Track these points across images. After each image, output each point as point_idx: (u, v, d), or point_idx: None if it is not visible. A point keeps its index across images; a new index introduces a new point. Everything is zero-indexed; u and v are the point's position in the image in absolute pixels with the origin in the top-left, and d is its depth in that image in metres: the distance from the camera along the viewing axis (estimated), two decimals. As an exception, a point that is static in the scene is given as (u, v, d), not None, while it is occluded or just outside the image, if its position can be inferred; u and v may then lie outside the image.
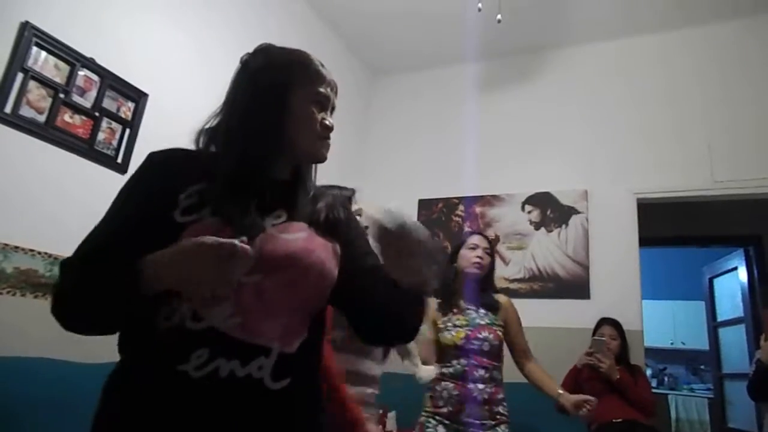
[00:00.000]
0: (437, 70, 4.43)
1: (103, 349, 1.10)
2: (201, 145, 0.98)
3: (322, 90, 0.99)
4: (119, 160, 2.45)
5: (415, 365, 1.85)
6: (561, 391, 2.26)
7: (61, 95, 2.21)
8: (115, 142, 2.45)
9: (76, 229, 0.99)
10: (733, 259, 4.80)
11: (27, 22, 2.10)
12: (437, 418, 2.16)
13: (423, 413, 2.22)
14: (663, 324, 6.47)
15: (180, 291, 0.81)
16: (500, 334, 2.27)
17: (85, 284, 0.84)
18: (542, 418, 2.93)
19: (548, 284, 3.56)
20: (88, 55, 2.32)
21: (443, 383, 2.19)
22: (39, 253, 2.07)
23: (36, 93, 2.13)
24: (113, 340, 0.89)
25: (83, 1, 2.34)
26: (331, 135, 0.99)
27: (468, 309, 2.28)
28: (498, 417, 2.17)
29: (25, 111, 2.09)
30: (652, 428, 2.79)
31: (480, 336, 2.21)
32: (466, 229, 3.90)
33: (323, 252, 0.94)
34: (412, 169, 4.26)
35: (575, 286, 3.48)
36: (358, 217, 1.18)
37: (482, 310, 2.29)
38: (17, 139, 2.06)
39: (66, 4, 2.27)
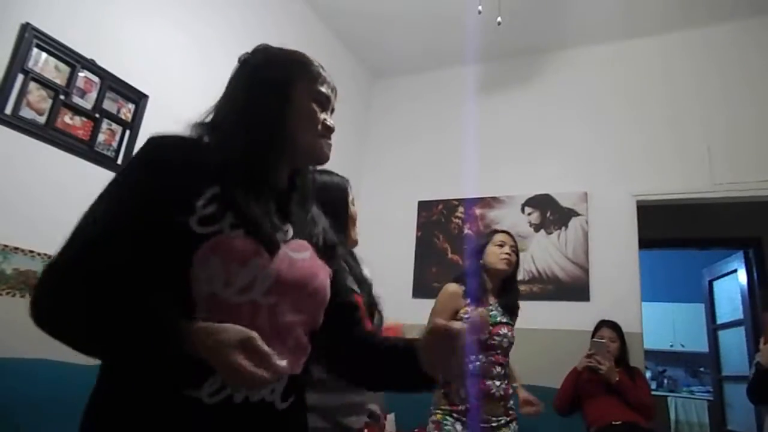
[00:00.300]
0: (437, 72, 4.44)
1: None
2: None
3: (323, 89, 0.97)
4: (119, 161, 2.45)
5: None
6: (518, 385, 2.39)
7: (62, 96, 2.22)
8: (115, 144, 2.46)
9: (76, 231, 0.99)
10: (732, 261, 4.80)
11: (28, 24, 2.11)
12: (455, 415, 2.15)
13: (438, 411, 2.19)
14: (662, 326, 6.46)
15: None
16: (514, 333, 2.31)
17: (94, 319, 0.76)
18: (542, 418, 2.93)
19: (548, 286, 3.56)
20: (88, 56, 2.33)
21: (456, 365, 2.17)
22: (39, 254, 2.07)
23: (36, 94, 2.14)
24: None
25: (84, 2, 2.35)
26: (332, 137, 0.99)
27: (490, 305, 2.30)
28: (510, 413, 2.22)
29: (26, 112, 2.09)
30: (652, 431, 2.79)
31: (501, 332, 2.23)
32: (466, 230, 3.90)
33: (324, 275, 0.94)
34: (412, 170, 4.27)
35: (575, 288, 3.48)
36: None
37: (500, 308, 2.32)
38: (17, 140, 2.06)
39: (66, 6, 2.28)
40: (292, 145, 0.94)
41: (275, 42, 1.03)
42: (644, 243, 3.50)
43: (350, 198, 1.59)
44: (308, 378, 0.96)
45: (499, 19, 2.86)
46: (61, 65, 2.24)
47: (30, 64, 2.11)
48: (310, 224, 0.98)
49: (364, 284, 1.46)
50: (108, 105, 2.42)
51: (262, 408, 0.83)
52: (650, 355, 5.51)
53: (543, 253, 3.64)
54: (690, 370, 6.71)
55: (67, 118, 2.25)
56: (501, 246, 2.34)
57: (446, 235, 3.98)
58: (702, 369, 6.48)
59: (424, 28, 3.94)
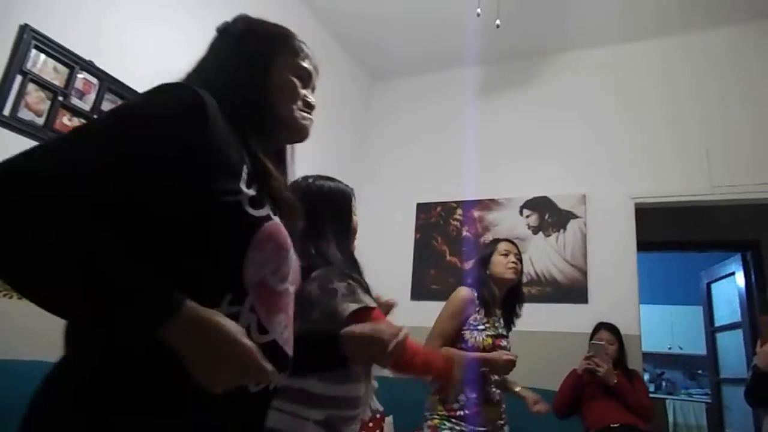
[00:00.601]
0: (436, 74, 4.44)
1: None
2: None
3: (304, 64, 0.95)
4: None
5: None
6: (520, 387, 2.44)
7: (60, 98, 2.21)
8: (113, 145, 2.45)
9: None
10: (730, 264, 4.80)
11: (26, 25, 2.10)
12: (453, 421, 2.14)
13: (435, 416, 2.17)
14: (661, 329, 6.47)
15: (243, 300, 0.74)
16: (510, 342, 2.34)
17: (68, 254, 0.61)
18: (540, 421, 2.93)
19: (546, 289, 3.56)
20: (87, 57, 2.33)
21: (456, 387, 2.16)
22: (37, 255, 2.06)
23: (35, 95, 2.13)
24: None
25: (83, 3, 2.34)
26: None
27: (494, 317, 2.31)
28: (503, 417, 2.23)
29: (24, 113, 2.09)
30: (650, 433, 2.79)
31: (502, 344, 2.24)
32: (465, 232, 3.90)
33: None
34: (410, 172, 4.27)
35: (573, 291, 3.48)
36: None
37: (502, 321, 2.33)
38: (16, 142, 2.05)
39: (65, 7, 2.27)
40: (272, 121, 0.90)
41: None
42: (642, 245, 3.50)
43: (353, 207, 1.59)
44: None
45: (498, 21, 2.86)
46: (60, 66, 2.23)
47: (28, 65, 2.11)
48: (297, 212, 0.95)
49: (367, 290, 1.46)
50: (107, 106, 2.41)
51: (273, 393, 0.84)
52: (648, 357, 5.51)
53: (541, 256, 3.64)
54: (688, 372, 6.71)
55: (65, 120, 2.24)
56: (506, 255, 2.35)
57: (445, 238, 3.98)
58: (700, 372, 6.48)
59: (424, 31, 3.95)
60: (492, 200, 3.91)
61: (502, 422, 2.21)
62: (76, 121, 2.28)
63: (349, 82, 4.34)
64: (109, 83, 2.42)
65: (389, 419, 2.98)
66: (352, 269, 1.46)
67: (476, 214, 3.93)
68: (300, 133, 0.94)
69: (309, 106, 0.95)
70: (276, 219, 0.81)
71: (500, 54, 4.11)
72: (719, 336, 4.97)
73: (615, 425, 2.73)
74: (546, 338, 3.31)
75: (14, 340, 1.95)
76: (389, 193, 4.24)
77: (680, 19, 3.62)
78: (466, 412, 2.14)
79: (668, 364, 6.72)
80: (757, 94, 3.42)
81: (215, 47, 0.95)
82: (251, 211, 0.77)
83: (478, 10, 2.82)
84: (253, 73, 0.89)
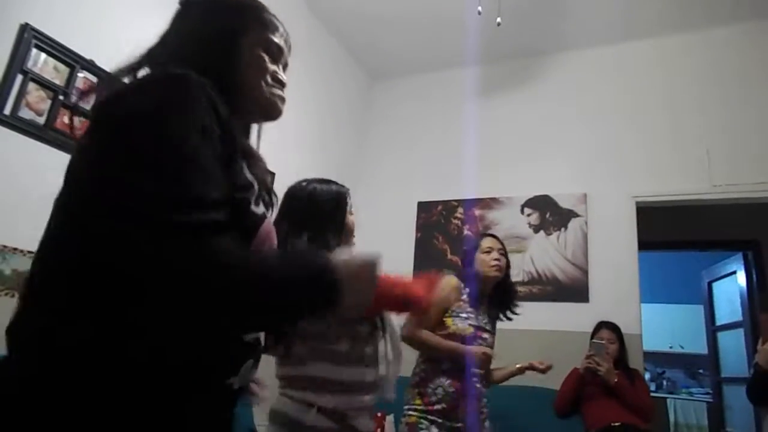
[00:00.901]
0: (437, 73, 4.44)
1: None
2: None
3: (274, 39, 0.90)
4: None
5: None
6: (515, 367, 2.39)
7: (61, 97, 2.21)
8: (114, 144, 2.45)
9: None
10: (731, 263, 4.80)
11: (27, 24, 2.10)
12: (430, 417, 2.11)
13: (412, 412, 2.14)
14: (662, 328, 6.45)
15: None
16: (494, 341, 2.32)
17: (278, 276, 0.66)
18: (541, 419, 2.93)
19: (547, 287, 3.56)
20: (87, 57, 2.32)
21: (436, 380, 2.15)
22: (37, 254, 2.06)
23: (35, 95, 2.13)
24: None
25: (83, 2, 2.34)
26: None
27: (478, 311, 2.30)
28: (484, 411, 2.21)
29: (25, 113, 2.09)
30: (651, 432, 2.79)
31: (483, 336, 2.24)
32: (466, 231, 3.90)
33: None
34: (411, 171, 4.27)
35: (574, 290, 3.48)
36: None
37: (486, 317, 2.32)
38: (16, 141, 2.06)
39: (66, 6, 2.27)
40: (241, 98, 0.83)
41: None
42: (643, 244, 3.50)
43: (348, 207, 1.59)
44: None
45: (498, 19, 2.85)
46: (60, 66, 2.23)
47: (29, 64, 2.11)
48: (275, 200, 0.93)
49: None
50: (107, 105, 2.41)
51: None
52: (649, 356, 5.49)
53: (542, 255, 3.64)
54: (689, 371, 6.71)
55: (66, 119, 2.24)
56: (489, 252, 2.31)
57: (446, 236, 3.98)
58: (701, 371, 6.47)
59: (424, 29, 3.94)
60: (493, 199, 3.91)
61: (482, 416, 2.19)
62: (77, 120, 2.28)
63: (349, 81, 4.33)
64: (109, 82, 2.41)
65: (390, 418, 2.99)
66: None
67: (477, 212, 3.93)
68: (270, 111, 0.89)
69: (279, 82, 0.89)
70: (268, 215, 0.80)
71: (500, 53, 4.10)
72: (720, 335, 4.97)
73: (616, 424, 2.73)
74: (547, 337, 3.31)
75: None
76: (390, 192, 4.24)
77: (680, 18, 3.61)
78: (444, 406, 2.12)
79: (669, 363, 6.71)
80: (757, 93, 3.41)
81: (179, 20, 0.88)
82: (255, 208, 0.75)
83: (479, 8, 2.81)
84: (219, 48, 0.83)
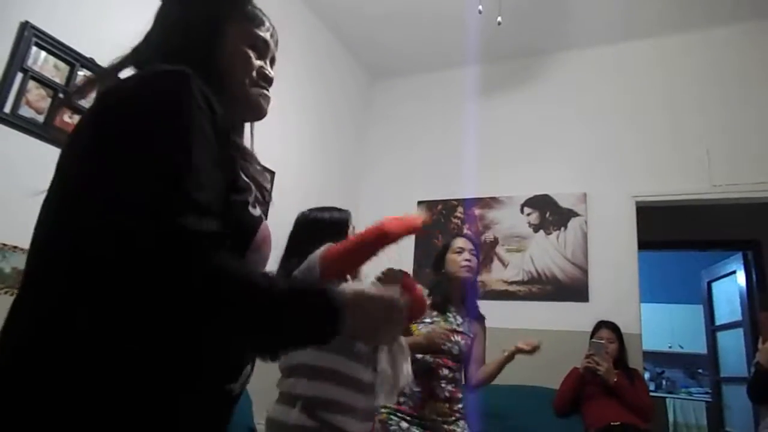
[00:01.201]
0: (437, 72, 4.44)
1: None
2: None
3: (260, 33, 0.86)
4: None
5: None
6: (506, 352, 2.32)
7: (61, 95, 2.21)
8: (114, 143, 2.45)
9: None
10: (731, 263, 4.80)
11: (27, 22, 2.10)
12: (399, 415, 2.12)
13: (382, 410, 2.14)
14: (661, 327, 6.46)
15: None
16: (470, 343, 2.29)
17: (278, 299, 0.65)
18: (541, 419, 2.93)
19: (547, 287, 3.56)
20: (87, 55, 2.32)
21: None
22: (37, 253, 2.06)
23: (35, 93, 2.13)
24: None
25: (83, 1, 2.34)
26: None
27: (449, 313, 2.28)
28: (456, 414, 2.18)
29: (25, 111, 2.09)
30: (650, 432, 2.80)
31: (453, 339, 2.20)
32: (466, 231, 3.90)
33: None
34: (411, 170, 4.27)
35: (574, 289, 3.48)
36: None
37: (460, 318, 2.29)
38: (16, 139, 2.06)
39: (66, 4, 2.27)
40: (224, 96, 0.78)
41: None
42: (643, 244, 3.50)
43: (349, 230, 1.69)
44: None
45: (499, 18, 2.85)
46: (61, 64, 2.23)
47: (29, 62, 2.11)
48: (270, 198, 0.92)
49: None
50: (107, 104, 2.41)
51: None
52: (649, 356, 5.50)
53: (542, 254, 3.64)
54: (688, 371, 6.71)
55: (66, 117, 2.24)
56: (460, 252, 2.29)
57: (446, 236, 3.97)
58: (700, 370, 6.48)
59: (424, 28, 3.94)
60: (493, 198, 3.91)
61: (453, 418, 2.16)
62: (77, 119, 2.28)
63: (349, 80, 4.33)
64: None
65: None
66: None
67: (477, 212, 3.93)
68: (254, 111, 0.86)
69: (266, 80, 0.86)
70: (264, 218, 0.79)
71: (501, 52, 4.10)
72: (720, 335, 4.97)
73: (615, 424, 2.73)
74: (546, 336, 3.28)
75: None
76: (390, 191, 4.23)
77: (680, 17, 3.61)
78: (410, 405, 2.12)
79: (668, 362, 6.72)
80: (757, 93, 3.41)
81: (161, 16, 0.86)
82: (253, 210, 0.75)
83: (480, 7, 2.81)
84: (201, 34, 0.80)
